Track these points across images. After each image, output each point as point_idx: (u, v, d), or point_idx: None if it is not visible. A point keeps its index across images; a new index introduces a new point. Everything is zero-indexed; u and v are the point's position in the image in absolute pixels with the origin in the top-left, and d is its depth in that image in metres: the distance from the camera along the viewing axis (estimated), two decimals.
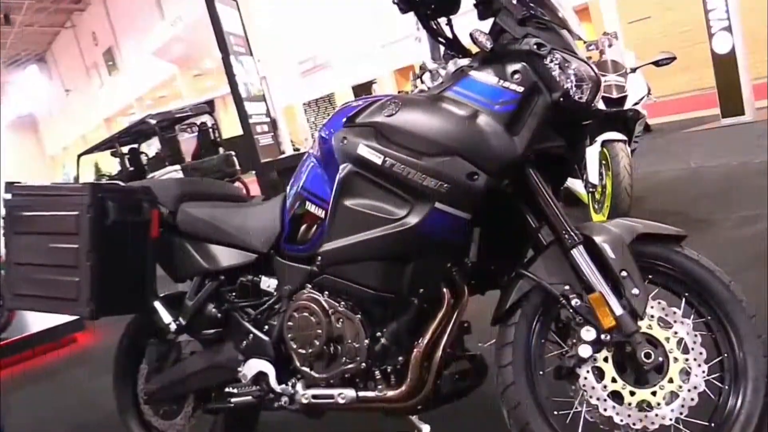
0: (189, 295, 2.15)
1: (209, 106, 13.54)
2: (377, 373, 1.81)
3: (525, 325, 1.69)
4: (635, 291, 1.60)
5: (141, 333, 2.41)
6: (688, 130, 8.23)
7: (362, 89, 25.16)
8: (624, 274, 1.61)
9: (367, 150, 1.68)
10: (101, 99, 35.91)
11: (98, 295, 2.03)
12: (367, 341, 1.80)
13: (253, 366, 2.02)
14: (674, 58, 4.17)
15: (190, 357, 2.23)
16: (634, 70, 4.23)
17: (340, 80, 24.71)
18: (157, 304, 2.17)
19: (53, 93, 42.53)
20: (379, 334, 1.80)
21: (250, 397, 2.04)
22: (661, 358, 1.59)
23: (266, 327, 2.04)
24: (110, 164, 16.46)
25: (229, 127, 18.90)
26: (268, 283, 2.06)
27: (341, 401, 1.86)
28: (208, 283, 2.14)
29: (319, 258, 1.81)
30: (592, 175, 4.02)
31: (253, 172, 16.43)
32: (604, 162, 4.02)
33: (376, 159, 1.67)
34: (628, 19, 13.18)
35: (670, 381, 1.60)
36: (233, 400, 2.09)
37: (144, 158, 13.40)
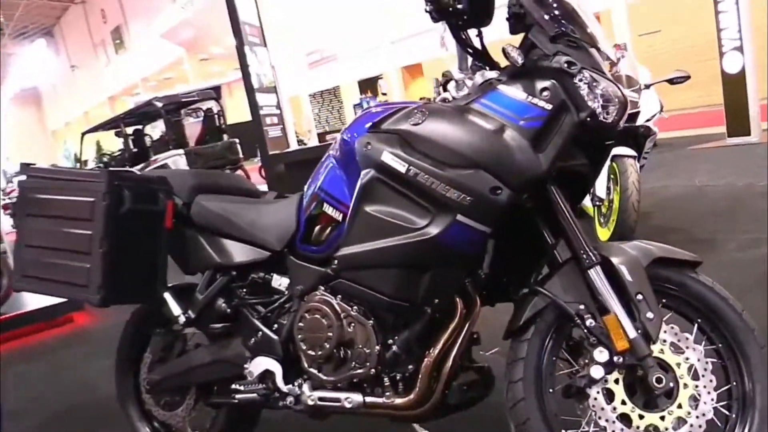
0: (200, 288, 2.15)
1: (216, 93, 13.51)
2: (386, 379, 1.82)
3: (538, 341, 1.69)
4: (650, 315, 1.60)
5: (146, 322, 2.41)
6: (694, 147, 8.24)
7: (368, 84, 25.17)
8: (639, 297, 1.61)
9: (391, 157, 1.68)
10: (106, 77, 35.84)
11: (109, 282, 2.02)
12: (378, 347, 1.80)
13: (260, 364, 2.02)
14: (688, 77, 4.17)
15: (195, 350, 2.23)
16: (648, 87, 4.23)
17: (346, 74, 24.70)
18: (167, 296, 2.16)
19: (59, 68, 42.42)
20: (390, 341, 1.80)
21: (255, 395, 2.04)
22: (671, 384, 1.60)
23: (276, 325, 2.04)
24: (112, 143, 16.43)
25: (233, 113, 18.89)
26: (280, 282, 2.05)
27: (348, 405, 1.86)
28: (220, 277, 2.14)
29: (336, 261, 1.81)
30: (600, 189, 4.03)
31: (254, 159, 16.43)
32: (612, 177, 4.02)
33: (400, 167, 1.66)
34: (639, 31, 13.16)
35: (679, 407, 1.60)
36: (238, 396, 2.09)
37: (148, 140, 13.38)
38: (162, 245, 2.16)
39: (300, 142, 14.85)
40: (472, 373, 1.86)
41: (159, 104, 11.77)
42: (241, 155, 12.87)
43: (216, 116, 12.83)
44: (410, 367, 1.79)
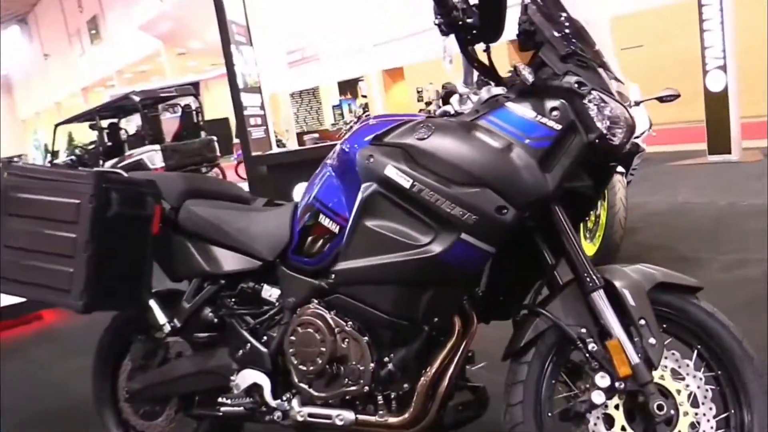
0: (186, 297, 2.08)
1: (194, 89, 13.36)
2: (380, 397, 1.77)
3: (538, 364, 1.66)
4: (652, 340, 1.57)
5: (127, 328, 2.34)
6: (676, 163, 8.30)
7: (348, 86, 25.11)
8: (642, 322, 1.59)
9: (395, 172, 1.63)
10: (81, 67, 35.26)
11: (92, 288, 1.95)
12: (372, 365, 1.75)
13: (247, 377, 1.96)
14: (678, 96, 4.19)
15: (178, 359, 2.16)
16: (638, 104, 4.24)
17: (326, 74, 24.60)
18: (152, 303, 2.10)
19: (31, 56, 41.68)
20: (386, 359, 1.76)
21: (241, 408, 1.99)
22: (672, 411, 1.57)
23: (265, 338, 1.98)
24: (85, 135, 16.18)
25: (210, 111, 18.69)
26: (270, 293, 2.00)
27: (339, 423, 1.81)
28: (207, 286, 2.08)
29: (333, 276, 1.76)
30: None
31: (230, 157, 16.25)
32: None
33: (404, 182, 1.62)
34: (621, 45, 13.25)
35: None
36: (223, 409, 2.03)
37: (123, 134, 13.20)
38: (148, 251, 2.09)
39: (279, 142, 14.73)
40: (467, 392, 1.82)
41: (136, 98, 11.62)
42: (218, 153, 12.76)
43: (194, 113, 12.70)
44: (405, 385, 1.75)
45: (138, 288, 2.09)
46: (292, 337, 1.86)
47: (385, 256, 1.66)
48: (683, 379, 1.62)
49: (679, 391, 1.60)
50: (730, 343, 1.62)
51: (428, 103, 11.42)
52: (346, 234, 1.75)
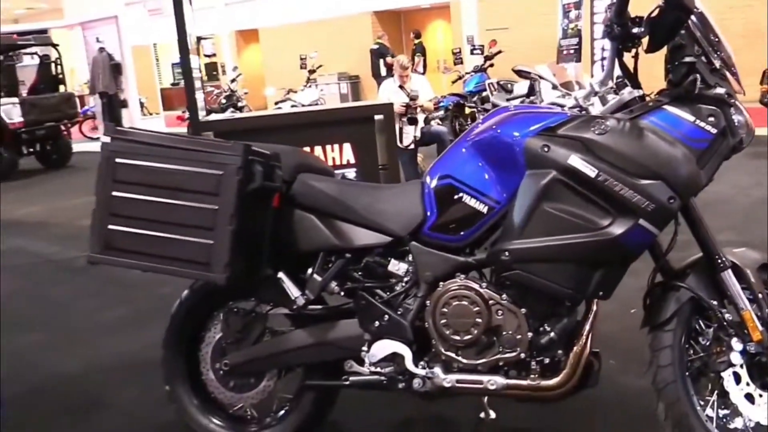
0: (316, 270, 2.11)
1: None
2: (533, 363, 1.95)
3: (680, 331, 1.93)
4: None
5: (207, 299, 2.32)
6: None
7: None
8: (761, 295, 1.91)
9: (581, 162, 1.81)
10: None
11: (235, 260, 1.94)
12: (530, 334, 1.93)
13: (386, 347, 2.05)
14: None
15: (294, 332, 2.19)
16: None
17: (168, 31, 23.38)
18: (282, 275, 2.11)
19: None
20: (545, 328, 1.94)
21: (377, 377, 2.08)
22: None
23: (400, 310, 2.08)
24: None
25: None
26: (398, 267, 2.09)
27: (491, 387, 1.97)
28: (335, 259, 2.13)
29: (506, 254, 1.90)
30: None
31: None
32: None
33: (590, 171, 1.80)
34: (487, 26, 13.95)
35: None
36: (352, 378, 2.11)
37: None
38: (268, 223, 2.10)
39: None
40: (592, 357, 2.05)
41: None
42: (79, 109, 11.91)
43: (53, 64, 11.71)
44: (560, 351, 1.94)
45: (260, 260, 2.09)
46: (444, 309, 1.98)
47: (564, 237, 1.84)
48: None
49: None
50: None
51: (312, 71, 11.34)
52: (515, 215, 1.90)
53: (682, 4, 1.71)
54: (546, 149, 1.86)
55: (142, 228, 2.01)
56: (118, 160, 2.04)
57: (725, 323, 1.90)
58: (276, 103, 10.47)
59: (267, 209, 2.08)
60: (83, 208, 7.27)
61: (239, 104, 11.67)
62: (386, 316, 2.07)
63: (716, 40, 1.89)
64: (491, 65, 9.68)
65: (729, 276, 1.91)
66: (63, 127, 11.36)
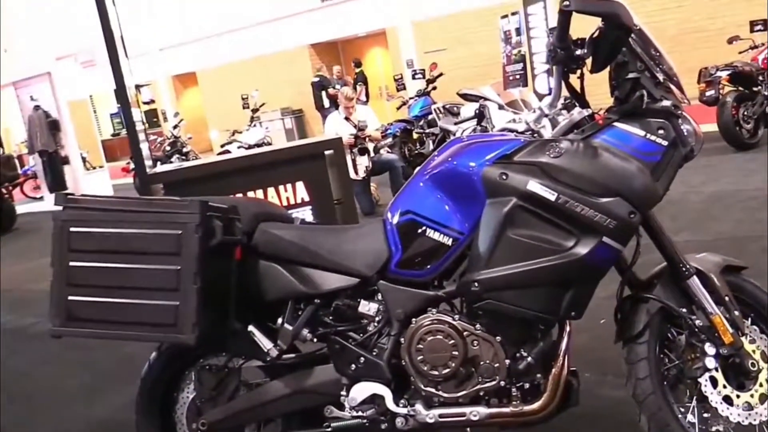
0: (287, 319, 2.08)
1: None
2: (513, 389, 1.95)
3: (654, 342, 1.96)
4: (736, 312, 1.95)
5: (176, 359, 2.26)
6: None
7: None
8: (727, 298, 1.95)
9: (539, 186, 1.83)
10: None
11: (202, 319, 1.90)
12: (507, 361, 1.93)
13: (364, 389, 2.02)
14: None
15: (270, 383, 2.14)
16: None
17: (105, 82, 23.05)
18: (253, 328, 2.06)
19: None
20: (522, 353, 1.94)
21: (358, 421, 2.04)
22: (760, 366, 1.95)
23: (375, 350, 2.05)
24: None
25: None
26: (368, 307, 2.07)
27: (474, 418, 1.96)
28: (304, 305, 2.10)
29: (476, 284, 1.90)
30: None
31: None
32: None
33: (550, 195, 1.82)
34: (425, 49, 14.14)
35: (761, 385, 1.96)
36: (333, 424, 2.07)
37: None
38: (233, 276, 2.06)
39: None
40: (571, 376, 2.06)
41: None
42: (19, 170, 11.63)
43: None
44: (538, 375, 1.94)
45: (228, 315, 2.05)
46: (420, 345, 1.96)
47: (531, 262, 1.85)
48: (755, 341, 2.00)
49: (754, 351, 1.98)
50: None
51: (255, 110, 11.33)
52: (480, 245, 1.89)
53: (621, 24, 1.75)
54: (504, 177, 1.87)
55: (104, 296, 1.96)
56: (72, 229, 1.99)
57: (696, 329, 1.94)
58: (222, 146, 10.42)
59: (230, 263, 2.04)
60: (34, 272, 7.13)
61: (184, 150, 11.59)
62: (362, 358, 2.04)
63: (657, 54, 1.93)
64: (434, 88, 9.78)
65: (695, 282, 1.95)
66: (5, 191, 11.07)
